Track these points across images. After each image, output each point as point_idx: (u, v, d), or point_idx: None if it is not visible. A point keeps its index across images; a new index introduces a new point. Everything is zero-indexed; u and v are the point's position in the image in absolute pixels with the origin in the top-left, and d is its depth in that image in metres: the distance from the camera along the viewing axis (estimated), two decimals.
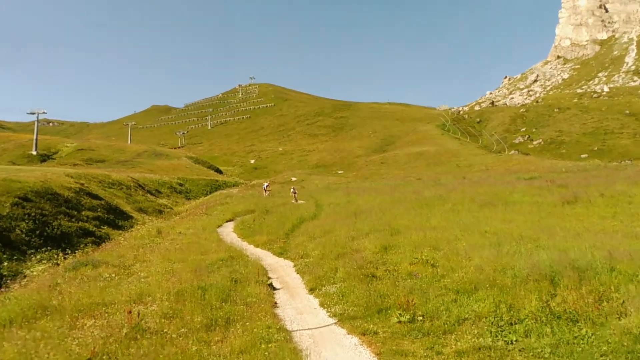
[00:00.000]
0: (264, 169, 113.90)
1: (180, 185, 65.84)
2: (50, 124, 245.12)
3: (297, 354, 8.96)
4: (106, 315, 10.84)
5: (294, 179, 76.99)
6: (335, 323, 10.97)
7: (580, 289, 10.07)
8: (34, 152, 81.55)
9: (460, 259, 13.49)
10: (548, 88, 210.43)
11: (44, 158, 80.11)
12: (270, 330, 9.90)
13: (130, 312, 10.11)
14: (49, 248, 26.11)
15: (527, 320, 9.55)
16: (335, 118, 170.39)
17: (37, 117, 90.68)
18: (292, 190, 42.33)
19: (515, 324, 9.58)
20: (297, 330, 10.64)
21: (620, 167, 57.05)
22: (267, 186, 50.98)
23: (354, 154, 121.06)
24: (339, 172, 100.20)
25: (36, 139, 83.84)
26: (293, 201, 38.68)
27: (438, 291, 11.63)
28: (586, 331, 8.89)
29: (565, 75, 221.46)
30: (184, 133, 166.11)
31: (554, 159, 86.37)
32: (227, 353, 8.68)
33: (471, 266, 12.56)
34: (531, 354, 8.45)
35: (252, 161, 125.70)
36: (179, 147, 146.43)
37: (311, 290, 14.05)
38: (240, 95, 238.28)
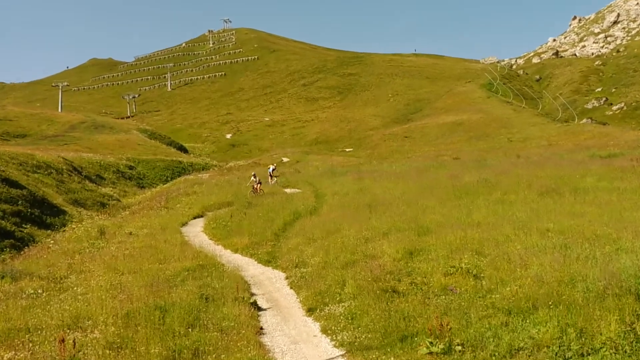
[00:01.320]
0: (244, 147, 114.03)
1: (131, 168, 65.90)
2: None
3: None
4: (30, 345, 10.82)
5: (285, 159, 77.02)
6: (343, 355, 11.00)
7: None
8: None
9: (513, 267, 13.50)
10: (633, 32, 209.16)
11: None
12: None
13: (63, 340, 10.07)
14: None
15: (604, 349, 9.54)
16: (342, 76, 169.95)
17: None
18: (252, 176, 40.94)
19: (588, 354, 9.57)
20: None
21: None
22: (272, 170, 48.44)
23: (367, 125, 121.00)
24: (347, 150, 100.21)
25: None
26: (251, 192, 38.22)
27: (483, 311, 11.63)
28: None
29: None
30: (134, 97, 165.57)
31: None
32: None
33: (528, 277, 12.56)
34: None
35: (228, 136, 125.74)
36: (128, 117, 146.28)
37: (310, 311, 14.08)
38: (211, 45, 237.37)
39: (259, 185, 39.19)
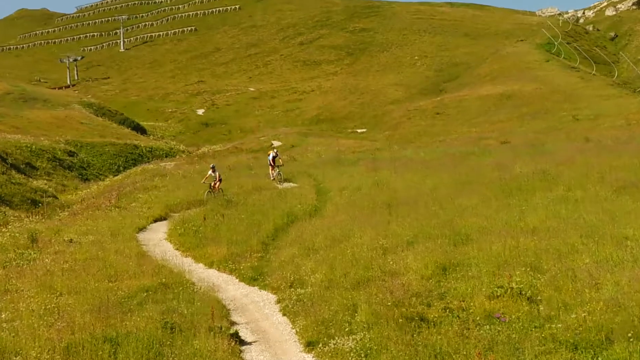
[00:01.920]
0: (221, 126, 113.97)
1: (71, 155, 65.85)
2: None
3: None
4: None
5: (276, 143, 76.88)
6: None
7: None
8: None
9: (580, 287, 13.49)
10: None
11: None
12: None
13: None
14: None
15: None
16: (352, 32, 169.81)
17: None
18: (210, 170, 39.26)
19: None
20: None
21: None
22: (273, 157, 46.05)
23: (385, 97, 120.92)
24: (359, 130, 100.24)
25: None
26: (206, 196, 37.12)
27: (540, 346, 11.64)
28: None
29: None
30: (76, 60, 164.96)
31: None
32: None
33: (600, 300, 12.55)
34: None
35: (200, 111, 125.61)
36: (67, 87, 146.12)
37: (309, 346, 14.13)
38: None
39: (218, 183, 38.15)
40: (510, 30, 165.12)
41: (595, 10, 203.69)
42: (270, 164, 44.70)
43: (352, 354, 12.85)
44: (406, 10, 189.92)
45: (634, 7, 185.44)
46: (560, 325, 12.23)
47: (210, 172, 38.43)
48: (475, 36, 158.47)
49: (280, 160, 45.54)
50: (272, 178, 43.30)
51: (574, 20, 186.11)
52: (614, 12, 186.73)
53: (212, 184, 37.73)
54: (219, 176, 38.54)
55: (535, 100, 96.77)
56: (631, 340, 11.01)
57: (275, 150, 47.14)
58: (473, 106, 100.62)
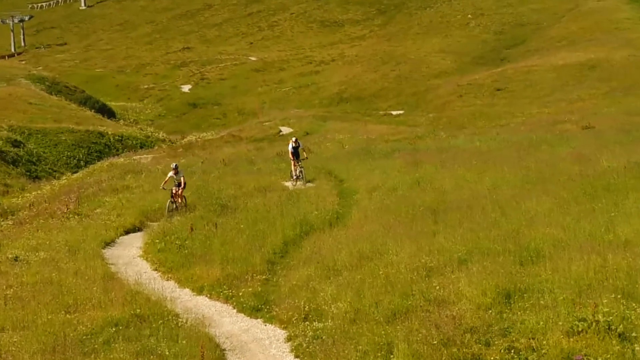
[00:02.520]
0: (213, 107, 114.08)
1: (16, 145, 66.10)
2: None
3: None
4: None
5: (285, 129, 77.03)
6: None
7: None
8: None
9: None
10: None
11: None
12: None
13: None
14: None
15: None
16: None
17: None
18: (172, 170, 37.54)
19: None
20: None
21: None
22: (294, 148, 44.84)
23: (429, 69, 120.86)
24: (395, 112, 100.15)
25: None
26: (167, 208, 36.05)
27: None
28: None
29: None
30: (22, 20, 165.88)
31: None
32: None
33: None
34: None
35: (186, 88, 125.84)
36: (12, 55, 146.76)
37: None
38: None
39: (180, 190, 36.36)
40: None
41: None
42: (293, 158, 43.25)
43: None
44: None
45: None
46: None
47: (171, 173, 36.68)
48: None
49: (304, 152, 44.73)
50: (294, 177, 42.40)
51: None
52: None
53: (173, 191, 36.32)
54: (183, 180, 36.67)
55: (628, 71, 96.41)
56: None
57: (295, 139, 45.84)
58: (545, 80, 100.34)
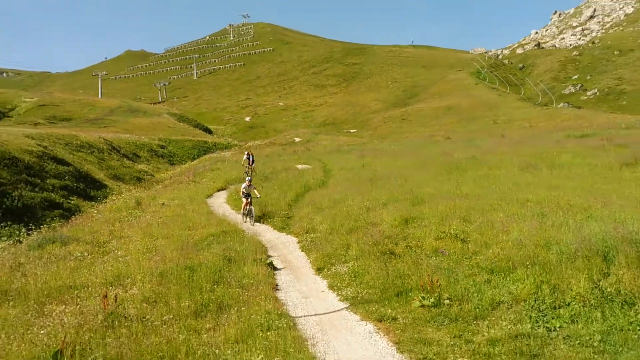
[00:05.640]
0: (261, 128, 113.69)
1: (162, 147, 66.06)
2: (4, 74, 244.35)
3: (302, 343, 9.15)
4: (78, 300, 10.96)
5: (297, 139, 76.90)
6: (347, 308, 11.18)
7: (639, 267, 10.15)
8: None
9: (495, 232, 13.59)
10: (607, 26, 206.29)
11: None
12: (271, 317, 10.09)
13: (106, 296, 10.24)
14: (8, 223, 26.44)
15: (574, 303, 9.67)
16: (347, 65, 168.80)
17: None
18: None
19: (560, 307, 9.71)
20: (302, 317, 10.85)
21: None
22: (247, 157, 35.96)
23: (369, 108, 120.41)
24: (352, 130, 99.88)
25: None
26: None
27: (468, 270, 11.77)
28: None
29: (629, 10, 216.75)
30: (164, 84, 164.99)
31: (612, 113, 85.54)
32: (220, 343, 8.86)
33: (509, 241, 12.66)
34: (577, 342, 8.60)
35: (247, 118, 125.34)
36: (159, 102, 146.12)
37: (318, 271, 14.26)
38: (231, 38, 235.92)
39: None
40: (452, 63, 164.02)
41: (509, 49, 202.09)
42: (247, 171, 33.62)
43: (346, 276, 13.02)
44: (383, 50, 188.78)
45: (535, 47, 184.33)
46: (482, 257, 12.36)
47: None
48: (429, 67, 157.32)
49: (251, 169, 34.33)
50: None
51: (495, 56, 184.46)
52: (522, 51, 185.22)
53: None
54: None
55: (469, 110, 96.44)
56: (528, 266, 11.15)
57: (247, 152, 36.57)
58: (427, 114, 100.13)
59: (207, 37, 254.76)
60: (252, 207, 22.05)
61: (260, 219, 22.26)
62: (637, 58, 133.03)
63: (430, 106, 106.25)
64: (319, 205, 21.89)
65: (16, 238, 21.95)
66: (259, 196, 22.64)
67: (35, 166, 35.32)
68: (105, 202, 33.46)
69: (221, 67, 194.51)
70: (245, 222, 21.77)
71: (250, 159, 35.20)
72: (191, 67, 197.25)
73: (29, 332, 9.10)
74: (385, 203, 19.34)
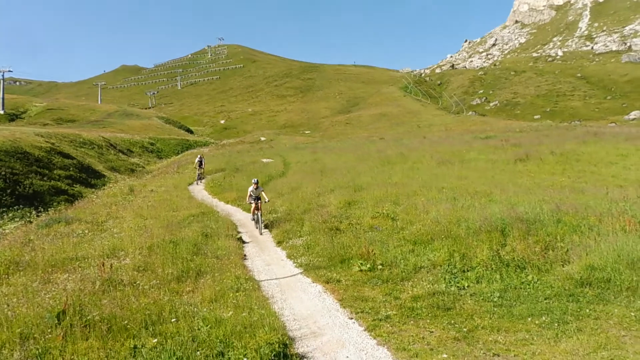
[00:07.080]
0: (233, 129, 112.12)
1: (152, 144, 64.50)
2: (17, 83, 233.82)
3: (265, 300, 9.13)
4: (79, 269, 10.68)
5: (262, 138, 76.31)
6: (301, 273, 11.15)
7: (528, 239, 10.44)
8: (1, 112, 78.05)
9: (418, 212, 13.75)
10: (506, 52, 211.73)
11: (12, 117, 76.88)
12: (240, 280, 9.99)
13: (103, 265, 10.02)
14: (21, 206, 25.44)
15: (478, 268, 9.88)
16: (303, 80, 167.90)
17: (3, 76, 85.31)
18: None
19: (468, 271, 9.90)
20: (265, 280, 10.77)
21: (570, 127, 58.44)
22: (199, 161, 31.45)
23: (320, 114, 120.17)
24: (306, 132, 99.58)
25: (2, 98, 79.72)
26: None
27: (397, 242, 11.88)
28: (532, 277, 9.28)
29: (523, 40, 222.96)
30: (154, 93, 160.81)
31: (509, 120, 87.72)
32: (197, 302, 8.74)
33: (428, 219, 12.83)
34: (481, 298, 8.80)
35: (222, 121, 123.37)
36: (149, 108, 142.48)
37: (279, 243, 14.17)
38: (209, 56, 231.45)
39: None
40: (385, 79, 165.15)
41: (430, 69, 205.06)
42: (198, 170, 30.88)
43: (300, 247, 12.99)
44: (331, 68, 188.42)
45: (450, 68, 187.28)
46: (407, 232, 12.49)
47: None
48: (368, 82, 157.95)
49: (203, 170, 31.15)
50: (196, 183, 29.66)
51: (419, 75, 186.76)
52: (440, 71, 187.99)
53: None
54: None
55: (398, 116, 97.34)
56: (443, 239, 11.32)
57: (199, 156, 32.79)
58: (366, 120, 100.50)
59: (190, 55, 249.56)
60: (260, 212, 16.08)
61: (230, 202, 22.02)
62: (528, 77, 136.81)
63: (368, 113, 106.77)
64: (280, 191, 21.78)
65: (27, 219, 21.21)
66: (267, 200, 16.93)
67: (44, 159, 34.03)
68: (104, 189, 32.56)
69: (201, 79, 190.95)
70: (256, 228, 16.10)
71: (202, 162, 31.32)
72: (176, 79, 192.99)
73: (36, 296, 8.80)
74: (332, 189, 19.36)
